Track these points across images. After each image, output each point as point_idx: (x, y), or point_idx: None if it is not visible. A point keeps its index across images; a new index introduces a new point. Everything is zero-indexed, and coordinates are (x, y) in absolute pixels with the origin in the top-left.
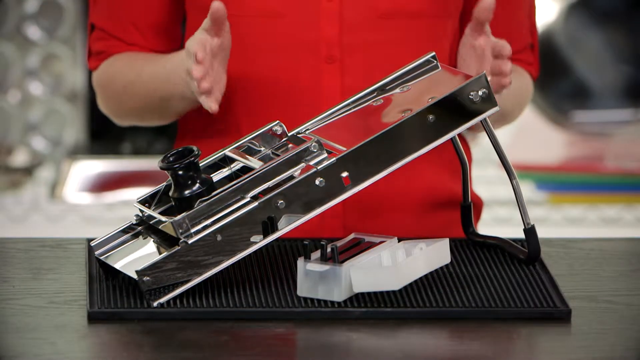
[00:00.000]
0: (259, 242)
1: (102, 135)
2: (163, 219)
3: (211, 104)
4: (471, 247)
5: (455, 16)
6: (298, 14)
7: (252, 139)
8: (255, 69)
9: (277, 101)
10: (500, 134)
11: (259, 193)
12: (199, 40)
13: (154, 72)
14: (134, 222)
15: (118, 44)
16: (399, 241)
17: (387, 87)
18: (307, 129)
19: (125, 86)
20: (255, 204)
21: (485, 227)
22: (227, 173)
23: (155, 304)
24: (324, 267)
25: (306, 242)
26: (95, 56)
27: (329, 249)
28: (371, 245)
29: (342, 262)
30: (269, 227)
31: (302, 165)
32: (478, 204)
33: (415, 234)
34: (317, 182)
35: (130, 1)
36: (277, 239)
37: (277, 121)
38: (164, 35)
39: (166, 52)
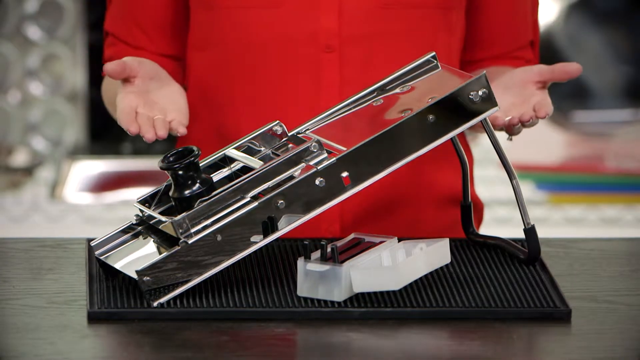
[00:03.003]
0: (259, 242)
1: (102, 135)
2: (163, 219)
3: (147, 137)
4: (471, 247)
5: (459, 8)
6: (297, 4)
7: (252, 138)
8: (255, 59)
9: (276, 91)
10: (500, 134)
11: (259, 193)
12: (127, 112)
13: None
14: (134, 222)
15: (125, 48)
16: (399, 241)
17: (387, 87)
18: (307, 129)
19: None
20: (255, 204)
21: (485, 227)
22: (227, 173)
23: (155, 304)
24: (324, 267)
25: (306, 242)
26: (107, 63)
27: (329, 249)
28: (371, 245)
29: (342, 262)
30: (269, 227)
31: (302, 165)
32: (479, 207)
33: (424, 233)
34: (317, 182)
35: (135, 3)
36: (277, 239)
37: (277, 121)
38: (170, 35)
39: (173, 54)
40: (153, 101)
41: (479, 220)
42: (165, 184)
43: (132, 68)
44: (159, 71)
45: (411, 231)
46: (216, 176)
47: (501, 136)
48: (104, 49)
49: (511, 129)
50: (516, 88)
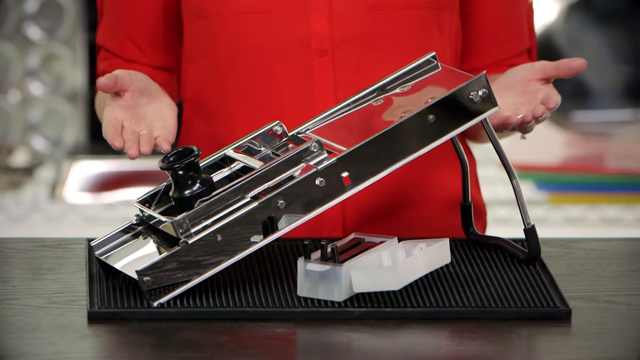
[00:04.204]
0: (259, 242)
1: (102, 135)
2: (163, 219)
3: (130, 153)
4: (471, 247)
5: (451, 8)
6: (287, 9)
7: (252, 139)
8: (247, 66)
9: (270, 97)
10: (509, 136)
11: (259, 193)
12: (113, 125)
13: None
14: (134, 222)
15: (118, 62)
16: (399, 241)
17: (387, 87)
18: (307, 129)
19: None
20: (256, 204)
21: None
22: (227, 173)
23: (155, 304)
24: (324, 267)
25: (306, 242)
26: (100, 77)
27: (329, 249)
28: (371, 245)
29: (342, 262)
30: (269, 227)
31: (302, 165)
32: (481, 210)
33: (428, 236)
34: (317, 182)
35: (126, 15)
36: (277, 239)
37: (277, 121)
38: (163, 47)
39: (166, 65)
40: (140, 116)
41: (483, 225)
42: (165, 184)
43: (124, 81)
44: (150, 85)
45: (414, 235)
46: (216, 176)
47: (509, 138)
48: (97, 63)
49: (524, 127)
50: (520, 87)
